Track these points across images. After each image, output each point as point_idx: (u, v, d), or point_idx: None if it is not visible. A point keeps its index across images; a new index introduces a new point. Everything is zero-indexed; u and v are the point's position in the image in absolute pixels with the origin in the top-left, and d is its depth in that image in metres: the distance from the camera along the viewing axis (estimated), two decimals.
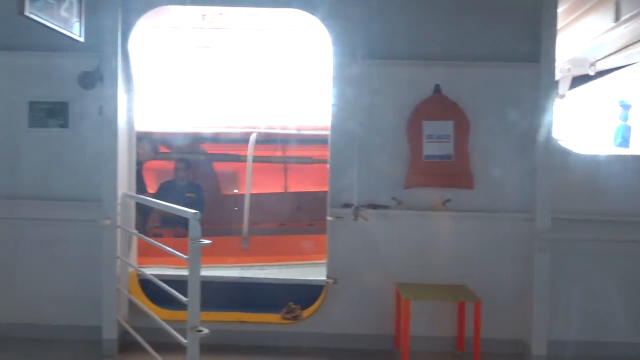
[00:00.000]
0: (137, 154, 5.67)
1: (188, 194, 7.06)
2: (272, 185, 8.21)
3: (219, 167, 8.36)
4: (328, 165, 5.30)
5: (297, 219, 7.96)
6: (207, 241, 3.70)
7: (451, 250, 5.19)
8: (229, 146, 7.89)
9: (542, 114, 4.99)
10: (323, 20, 5.11)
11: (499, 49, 5.11)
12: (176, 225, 6.81)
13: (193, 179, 7.52)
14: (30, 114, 5.21)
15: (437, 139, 5.02)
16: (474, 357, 4.66)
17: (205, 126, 7.36)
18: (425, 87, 5.12)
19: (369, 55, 5.06)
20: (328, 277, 5.17)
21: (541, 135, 4.99)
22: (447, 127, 5.02)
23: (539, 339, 4.96)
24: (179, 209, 3.98)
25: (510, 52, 5.11)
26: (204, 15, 6.31)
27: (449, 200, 5.12)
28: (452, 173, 5.06)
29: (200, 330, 3.71)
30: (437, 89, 5.10)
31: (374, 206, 5.13)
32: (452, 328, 5.14)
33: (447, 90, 5.11)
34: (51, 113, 5.18)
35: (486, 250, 5.21)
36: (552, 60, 5.03)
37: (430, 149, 5.03)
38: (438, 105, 5.07)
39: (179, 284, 4.08)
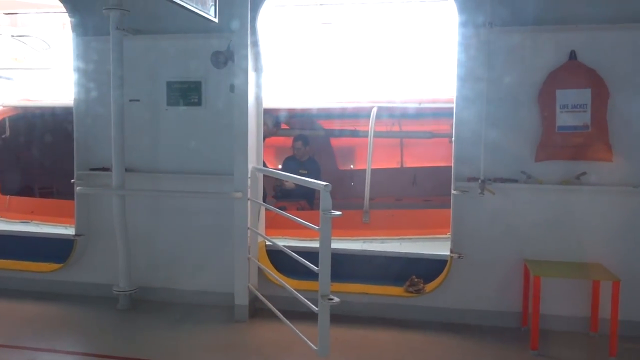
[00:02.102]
0: None
1: (301, 171, 7.24)
2: (389, 161, 8.19)
3: (336, 142, 8.47)
4: (450, 139, 5.19)
5: (414, 194, 7.90)
6: (337, 212, 3.78)
7: (585, 227, 4.93)
8: (347, 121, 7.96)
9: None
10: None
11: None
12: (299, 199, 7.04)
13: (312, 155, 7.69)
14: (168, 94, 5.59)
15: (572, 109, 4.75)
16: (610, 339, 4.42)
17: (325, 102, 7.46)
18: (559, 54, 4.84)
19: (497, 23, 4.87)
20: (452, 251, 5.11)
21: None
22: (583, 95, 4.73)
23: None
24: (311, 182, 4.09)
25: None
26: None
27: (584, 173, 4.84)
28: (588, 145, 4.78)
29: (332, 299, 3.82)
30: (572, 55, 4.80)
31: (502, 180, 4.97)
32: (585, 308, 4.91)
33: (583, 56, 4.81)
34: (186, 92, 5.53)
35: (624, 227, 4.89)
36: None
37: (564, 119, 4.77)
38: (573, 72, 4.78)
39: (304, 255, 4.25)
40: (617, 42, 4.79)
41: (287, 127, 8.17)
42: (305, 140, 7.60)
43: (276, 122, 7.81)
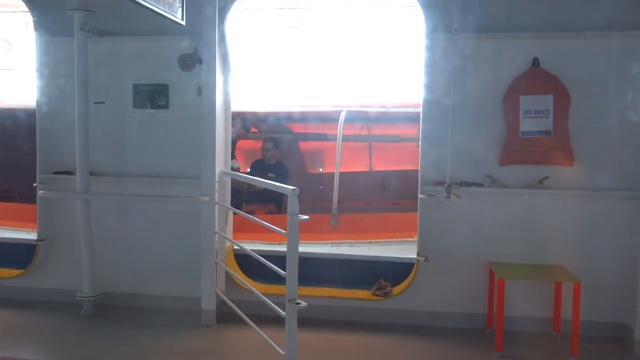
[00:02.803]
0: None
1: (270, 174, 7.24)
2: (357, 164, 8.24)
3: (305, 146, 8.48)
4: (417, 143, 5.25)
5: (382, 197, 7.97)
6: (305, 217, 3.78)
7: (548, 230, 5.05)
8: (316, 125, 7.98)
9: None
10: None
11: (604, 17, 4.84)
12: (268, 203, 7.02)
13: (280, 159, 7.68)
14: (135, 96, 5.52)
15: (535, 115, 4.86)
16: (572, 339, 4.52)
17: (293, 105, 7.47)
18: (522, 61, 4.95)
19: (463, 29, 4.94)
20: (419, 254, 5.16)
21: None
22: (545, 101, 4.84)
23: None
24: (278, 186, 4.09)
25: (617, 20, 4.83)
26: None
27: (546, 177, 4.95)
28: (550, 150, 4.89)
29: (299, 303, 3.82)
30: (535, 62, 4.91)
31: (467, 184, 5.05)
32: (548, 309, 5.01)
33: (546, 63, 4.92)
34: (153, 95, 5.47)
35: (586, 229, 5.02)
36: None
37: (527, 124, 4.88)
38: (536, 79, 4.89)
39: (272, 259, 4.24)
40: (578, 49, 4.91)
41: (256, 131, 8.14)
42: (276, 142, 7.60)
43: (247, 126, 7.78)
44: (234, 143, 7.15)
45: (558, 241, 5.04)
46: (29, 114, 6.00)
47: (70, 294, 5.49)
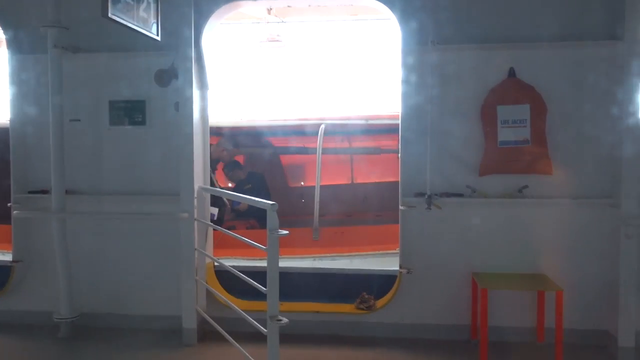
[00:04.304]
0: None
1: (245, 187, 7.23)
2: (339, 177, 8.25)
3: (286, 159, 8.47)
4: (398, 155, 5.27)
5: (364, 210, 7.97)
6: (284, 232, 3.76)
7: (529, 239, 5.08)
8: (297, 138, 7.99)
9: (626, 94, 4.75)
10: (391, 6, 5.08)
11: (577, 27, 4.93)
12: (249, 218, 6.99)
13: (252, 169, 7.66)
14: (111, 113, 5.47)
15: (513, 124, 4.90)
16: (556, 348, 4.53)
17: (273, 119, 7.47)
18: (499, 71, 5.00)
19: (439, 41, 4.99)
20: (401, 266, 5.16)
21: (626, 117, 4.76)
22: (522, 111, 4.89)
23: (626, 329, 4.75)
24: (257, 201, 4.07)
25: (590, 30, 4.91)
26: (269, 10, 6.39)
27: (525, 186, 4.99)
28: (529, 159, 4.92)
29: (280, 320, 3.78)
30: (511, 72, 4.97)
31: (448, 194, 5.07)
32: (532, 318, 5.04)
33: (522, 73, 4.98)
34: (130, 111, 5.42)
35: (567, 238, 5.06)
36: (636, 36, 4.74)
37: (505, 134, 4.92)
38: (512, 89, 4.94)
39: (254, 274, 4.20)
40: (553, 59, 4.98)
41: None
42: (238, 165, 7.60)
43: (235, 144, 7.75)
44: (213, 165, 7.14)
45: (540, 250, 5.08)
46: (2, 132, 5.90)
47: (47, 316, 5.38)
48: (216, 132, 7.18)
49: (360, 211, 7.95)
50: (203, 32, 5.26)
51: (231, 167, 7.56)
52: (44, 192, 5.51)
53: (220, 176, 7.67)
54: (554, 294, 4.56)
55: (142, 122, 5.43)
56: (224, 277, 5.45)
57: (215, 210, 5.87)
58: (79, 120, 5.51)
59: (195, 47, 5.12)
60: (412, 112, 5.10)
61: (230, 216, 7.32)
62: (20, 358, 5.00)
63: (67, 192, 5.33)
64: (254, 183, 7.35)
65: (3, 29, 5.60)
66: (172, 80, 5.15)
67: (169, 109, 5.27)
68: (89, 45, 5.42)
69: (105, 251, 5.58)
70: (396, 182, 5.32)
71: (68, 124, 5.38)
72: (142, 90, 5.39)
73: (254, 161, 8.12)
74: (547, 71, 4.98)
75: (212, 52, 5.45)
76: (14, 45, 5.58)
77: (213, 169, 7.39)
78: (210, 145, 7.22)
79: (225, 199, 6.72)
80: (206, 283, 5.27)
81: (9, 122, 5.63)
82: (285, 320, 3.77)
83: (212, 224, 5.44)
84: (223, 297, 5.07)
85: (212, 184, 7.01)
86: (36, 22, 5.19)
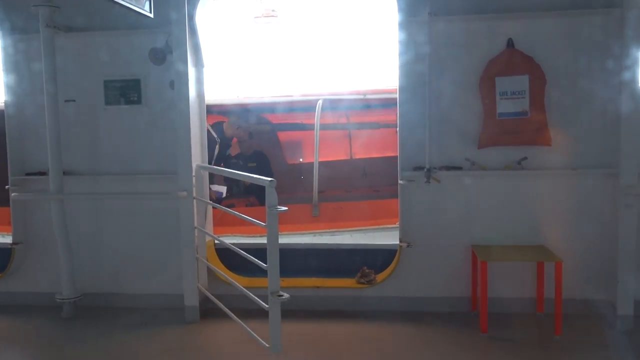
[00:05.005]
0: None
1: (250, 164, 7.23)
2: (337, 153, 8.24)
3: (284, 136, 8.45)
4: (397, 129, 5.27)
5: (363, 185, 7.99)
6: (283, 208, 3.78)
7: (528, 210, 5.11)
8: (294, 115, 7.96)
9: (626, 62, 4.72)
10: None
11: None
12: (248, 195, 7.01)
13: (258, 148, 7.66)
14: (106, 92, 5.44)
15: (512, 96, 4.88)
16: (555, 318, 4.59)
17: (270, 96, 7.44)
18: (497, 42, 4.96)
19: (436, 12, 4.95)
20: (401, 240, 5.19)
21: (626, 86, 4.74)
22: (521, 82, 4.87)
23: (625, 298, 4.81)
24: (255, 178, 4.08)
25: None
26: None
27: (525, 158, 5.00)
28: (528, 130, 4.92)
29: (281, 295, 3.83)
30: (509, 43, 4.93)
31: (447, 167, 5.08)
32: (531, 289, 5.08)
33: (520, 43, 4.94)
34: (125, 90, 5.40)
35: (566, 208, 5.09)
36: (636, 2, 4.69)
37: (504, 106, 4.90)
38: (511, 60, 4.91)
39: (254, 252, 4.23)
40: (552, 29, 4.95)
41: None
42: (250, 134, 7.60)
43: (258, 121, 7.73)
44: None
45: (539, 221, 5.10)
46: None
47: (49, 297, 5.43)
48: (212, 110, 7.16)
49: (359, 186, 7.95)
50: (197, 9, 5.21)
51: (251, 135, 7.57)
52: (42, 173, 5.51)
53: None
54: (554, 264, 4.60)
55: (138, 101, 5.41)
56: (225, 254, 5.49)
57: (223, 189, 5.89)
58: (74, 100, 5.49)
59: (189, 24, 5.06)
60: (410, 85, 5.08)
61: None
62: (25, 338, 5.06)
63: (64, 173, 5.34)
64: (259, 162, 7.36)
65: None
66: (166, 58, 5.12)
67: (164, 87, 5.25)
68: (82, 24, 5.38)
69: (104, 231, 5.61)
70: (395, 157, 5.33)
71: (63, 104, 5.37)
72: (137, 69, 5.36)
73: (253, 139, 8.09)
74: (546, 41, 4.95)
75: (207, 29, 5.41)
76: (6, 25, 5.53)
77: (227, 146, 7.42)
78: (222, 122, 7.28)
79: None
80: (207, 261, 5.31)
81: (3, 104, 5.61)
82: (286, 295, 3.82)
83: (211, 202, 5.45)
84: (224, 274, 5.11)
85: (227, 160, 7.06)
86: (28, 2, 5.12)
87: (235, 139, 7.64)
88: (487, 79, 4.95)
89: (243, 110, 7.83)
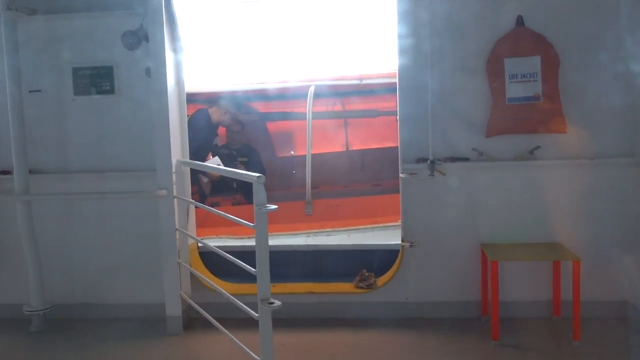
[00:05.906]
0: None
1: (240, 159, 7.19)
2: (332, 144, 8.22)
3: (274, 127, 8.42)
4: (397, 117, 5.24)
5: (361, 179, 7.97)
6: (273, 206, 3.74)
7: (542, 205, 5.09)
8: (284, 103, 7.93)
9: None
10: None
11: None
12: (234, 193, 6.97)
13: (247, 142, 7.63)
14: (75, 81, 5.38)
15: (522, 79, 4.86)
16: (574, 322, 4.58)
17: (257, 83, 7.39)
18: (505, 20, 4.94)
19: None
20: (403, 240, 5.17)
21: None
22: (532, 63, 4.84)
23: None
24: (242, 174, 4.04)
25: None
26: None
27: (538, 147, 4.97)
28: (541, 116, 4.90)
29: (272, 303, 3.79)
30: (519, 21, 4.90)
31: (452, 159, 5.05)
32: (547, 291, 5.08)
33: (531, 21, 4.91)
34: (96, 79, 5.34)
35: (583, 202, 5.07)
36: None
37: (514, 90, 4.88)
38: (521, 39, 4.89)
39: (242, 255, 4.20)
40: (564, 4, 4.92)
41: None
42: (241, 125, 7.57)
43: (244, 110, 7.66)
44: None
45: (554, 216, 5.09)
46: None
47: (16, 309, 5.37)
48: (194, 98, 7.11)
49: (357, 181, 7.94)
50: None
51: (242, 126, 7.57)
52: (6, 172, 5.45)
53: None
54: (571, 264, 4.59)
55: (111, 91, 5.35)
56: (209, 258, 5.46)
57: (218, 160, 5.89)
58: (39, 91, 5.42)
59: (166, 4, 5.01)
60: (411, 69, 5.05)
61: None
62: None
63: (30, 171, 5.28)
64: (250, 157, 7.33)
65: None
66: (141, 43, 5.05)
67: (140, 74, 5.18)
68: (47, 6, 5.30)
69: (77, 236, 5.55)
70: (395, 148, 5.30)
71: (28, 95, 5.30)
72: (108, 55, 5.29)
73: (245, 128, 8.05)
74: (559, 19, 4.92)
75: (187, 9, 5.35)
76: None
77: (214, 134, 7.38)
78: (207, 109, 7.23)
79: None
80: (190, 266, 5.28)
81: None
82: (277, 303, 3.78)
83: (193, 201, 5.41)
84: (209, 280, 5.08)
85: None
86: None
87: (223, 128, 7.58)
88: (495, 60, 4.92)
89: (228, 98, 7.77)
